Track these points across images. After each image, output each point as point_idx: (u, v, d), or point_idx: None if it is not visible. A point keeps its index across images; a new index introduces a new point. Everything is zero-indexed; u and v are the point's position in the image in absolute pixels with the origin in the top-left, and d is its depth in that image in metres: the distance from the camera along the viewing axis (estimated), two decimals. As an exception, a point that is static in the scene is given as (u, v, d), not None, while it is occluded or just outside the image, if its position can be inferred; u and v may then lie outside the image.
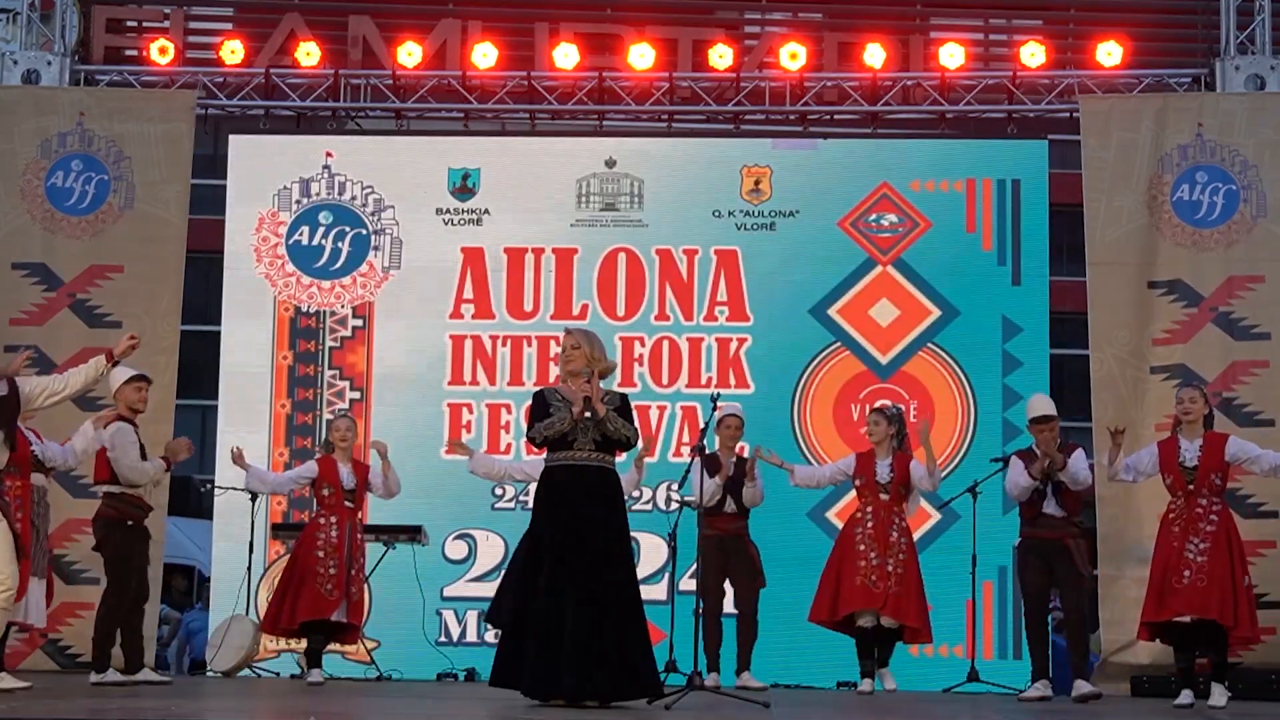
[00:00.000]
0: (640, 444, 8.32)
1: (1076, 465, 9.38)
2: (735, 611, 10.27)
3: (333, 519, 9.94)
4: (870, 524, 9.80)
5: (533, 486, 11.17)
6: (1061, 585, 9.55)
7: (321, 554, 9.87)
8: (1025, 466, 9.44)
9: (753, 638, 10.21)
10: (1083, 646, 9.54)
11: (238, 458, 10.07)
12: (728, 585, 10.27)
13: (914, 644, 10.08)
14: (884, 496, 9.83)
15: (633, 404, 7.75)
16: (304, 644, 10.21)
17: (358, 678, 10.99)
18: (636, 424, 7.71)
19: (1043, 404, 9.64)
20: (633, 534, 7.83)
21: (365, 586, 10.24)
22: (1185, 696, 8.71)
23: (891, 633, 9.81)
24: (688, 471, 9.43)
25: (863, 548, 9.76)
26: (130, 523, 9.21)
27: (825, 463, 11.32)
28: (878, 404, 10.47)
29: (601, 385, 7.53)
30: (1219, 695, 8.63)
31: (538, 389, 7.81)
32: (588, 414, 7.41)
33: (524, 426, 11.53)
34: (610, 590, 7.36)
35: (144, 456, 9.19)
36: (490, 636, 11.54)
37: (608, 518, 7.49)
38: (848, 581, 9.74)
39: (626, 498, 7.85)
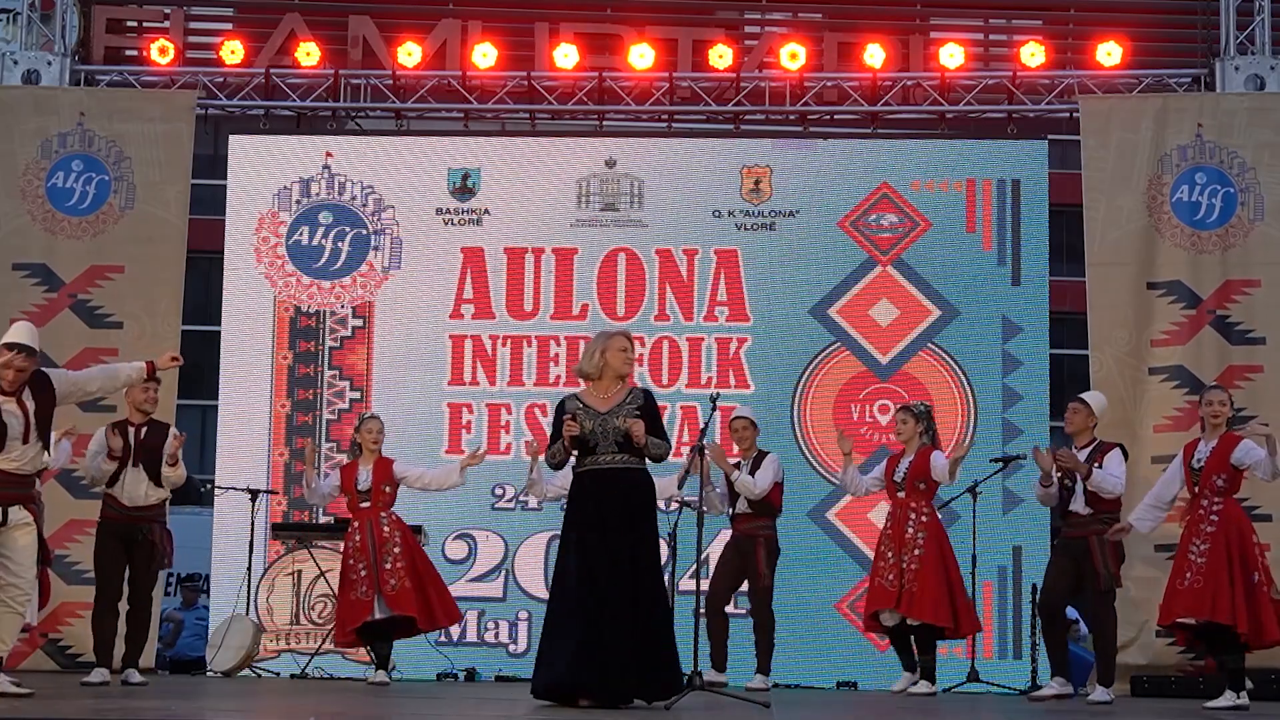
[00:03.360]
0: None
1: (1102, 474, 9.19)
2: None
3: (355, 524, 10.01)
4: (889, 524, 9.87)
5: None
6: (1085, 590, 9.44)
7: (351, 560, 9.93)
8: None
9: (763, 640, 10.20)
10: (1105, 654, 9.37)
11: (310, 455, 10.24)
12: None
13: (960, 637, 10.03)
14: (901, 494, 9.85)
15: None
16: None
17: (357, 678, 10.99)
18: (662, 419, 7.82)
19: (1088, 393, 9.70)
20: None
21: (409, 578, 9.87)
22: (1225, 699, 8.58)
23: (926, 631, 9.78)
24: (687, 471, 9.44)
25: (884, 548, 9.84)
26: (102, 521, 9.34)
27: (827, 463, 11.40)
28: (902, 404, 10.40)
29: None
30: (1224, 699, 8.56)
31: (563, 397, 7.82)
32: (573, 434, 7.53)
33: (524, 427, 11.75)
34: (639, 593, 7.41)
35: (122, 457, 9.28)
36: (490, 637, 11.58)
37: (633, 521, 7.53)
38: (872, 582, 9.88)
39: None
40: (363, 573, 9.85)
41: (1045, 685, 9.61)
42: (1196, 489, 8.77)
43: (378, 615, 9.83)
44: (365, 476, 10.01)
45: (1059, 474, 9.42)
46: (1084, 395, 9.63)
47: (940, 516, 10.13)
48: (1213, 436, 8.82)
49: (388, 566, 9.86)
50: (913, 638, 9.85)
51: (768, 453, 10.38)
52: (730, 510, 10.30)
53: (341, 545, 10.13)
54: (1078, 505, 9.32)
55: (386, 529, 9.95)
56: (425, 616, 9.95)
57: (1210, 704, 8.59)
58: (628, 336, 7.79)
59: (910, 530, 9.73)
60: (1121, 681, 10.57)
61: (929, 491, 9.84)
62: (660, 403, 11.75)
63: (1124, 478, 9.30)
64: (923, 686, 9.72)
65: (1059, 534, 9.65)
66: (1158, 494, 9.10)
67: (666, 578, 10.82)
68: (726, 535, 10.49)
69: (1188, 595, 8.63)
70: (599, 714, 7.13)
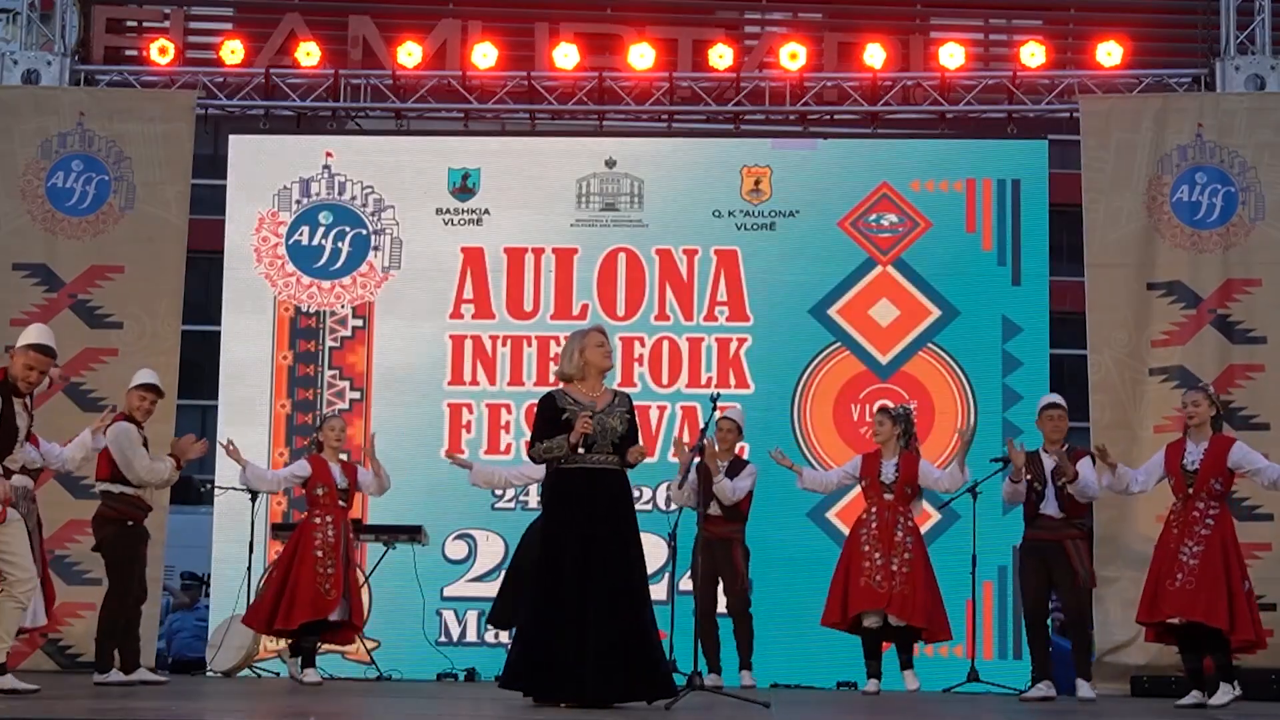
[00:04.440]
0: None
1: (1085, 481, 9.37)
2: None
3: (328, 518, 9.95)
4: (875, 524, 9.80)
5: (532, 487, 11.29)
6: (1060, 587, 9.57)
7: (320, 553, 9.87)
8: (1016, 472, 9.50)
9: (746, 637, 10.26)
10: (1085, 648, 9.53)
11: (231, 451, 10.02)
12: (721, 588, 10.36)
13: (931, 643, 10.05)
14: (889, 496, 9.82)
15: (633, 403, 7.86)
16: (284, 643, 10.31)
17: (357, 678, 11.00)
18: (637, 422, 7.80)
19: (1053, 397, 9.83)
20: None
21: (365, 587, 10.24)
22: (1191, 697, 8.73)
23: (906, 633, 9.78)
24: (687, 471, 9.45)
25: (868, 548, 9.75)
26: (130, 523, 9.26)
27: (826, 463, 11.35)
28: (881, 404, 10.45)
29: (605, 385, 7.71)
30: (1222, 694, 8.63)
31: (547, 391, 7.82)
32: (586, 433, 7.47)
33: (524, 427, 11.73)
34: (631, 593, 7.42)
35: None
36: (490, 637, 11.57)
37: (624, 521, 7.55)
38: (854, 582, 9.74)
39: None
40: (329, 570, 9.83)
41: (1034, 687, 9.63)
42: (1190, 490, 8.77)
43: (336, 617, 9.87)
44: (340, 475, 10.03)
45: (1028, 476, 9.49)
46: (1058, 399, 9.70)
47: (940, 516, 10.16)
48: (1198, 437, 8.85)
49: (350, 573, 9.97)
50: (895, 639, 9.85)
51: (748, 462, 10.43)
52: (701, 511, 10.15)
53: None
54: (1050, 508, 9.43)
55: (352, 533, 10.12)
56: (359, 626, 10.25)
57: (1211, 701, 8.68)
58: (602, 331, 7.79)
59: (899, 534, 9.73)
60: (1122, 681, 10.60)
61: (914, 495, 9.90)
62: (660, 403, 11.98)
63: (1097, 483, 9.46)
64: (913, 681, 9.77)
65: (1025, 538, 9.67)
66: (1127, 480, 9.13)
67: (666, 578, 10.91)
68: None
69: (1179, 595, 8.66)
70: (598, 714, 7.12)
